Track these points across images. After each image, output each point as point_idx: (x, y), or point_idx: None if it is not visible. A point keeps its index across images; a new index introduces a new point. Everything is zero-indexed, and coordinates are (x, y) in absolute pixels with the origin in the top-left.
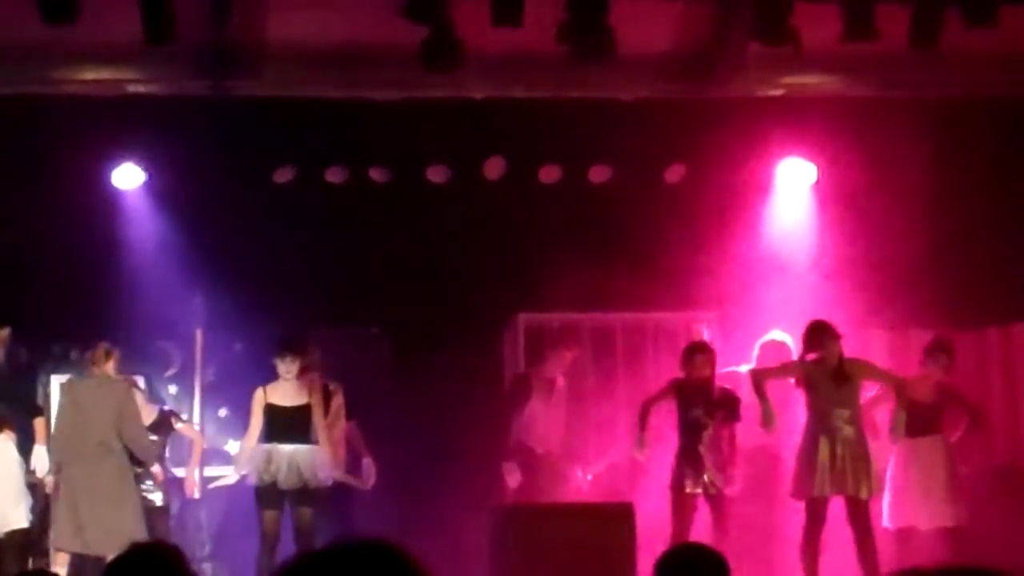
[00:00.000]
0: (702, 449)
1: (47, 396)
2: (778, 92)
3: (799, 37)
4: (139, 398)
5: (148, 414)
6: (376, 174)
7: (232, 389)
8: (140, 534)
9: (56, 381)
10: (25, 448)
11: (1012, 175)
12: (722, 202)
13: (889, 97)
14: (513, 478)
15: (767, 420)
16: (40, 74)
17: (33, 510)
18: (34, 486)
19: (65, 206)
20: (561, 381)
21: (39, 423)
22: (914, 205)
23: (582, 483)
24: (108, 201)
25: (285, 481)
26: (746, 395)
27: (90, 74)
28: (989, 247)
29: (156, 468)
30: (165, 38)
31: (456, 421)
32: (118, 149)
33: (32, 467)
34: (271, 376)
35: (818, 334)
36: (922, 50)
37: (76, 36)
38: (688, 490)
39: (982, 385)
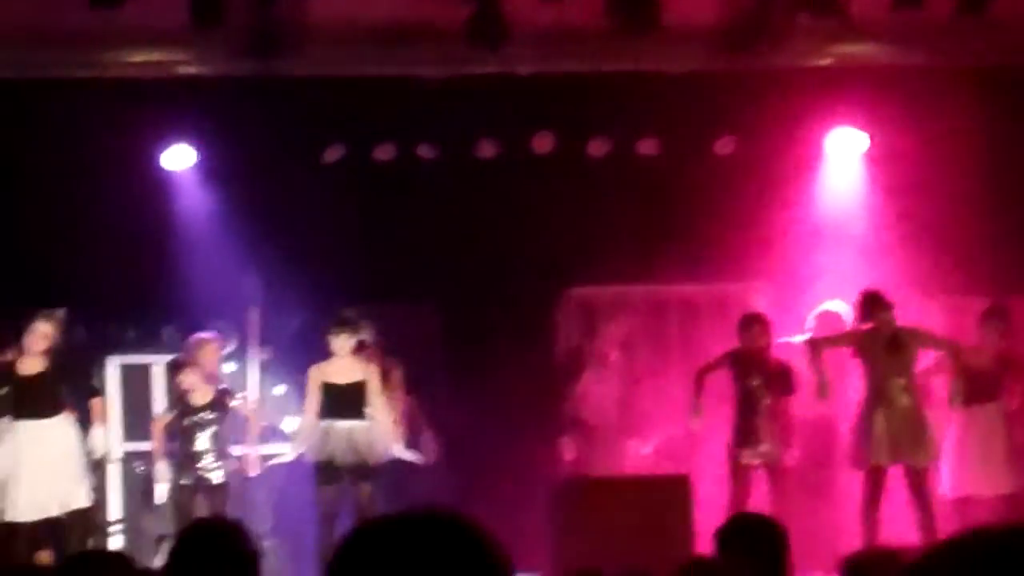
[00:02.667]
0: (759, 420)
1: (104, 377)
2: (826, 62)
3: (846, 6)
4: (195, 377)
5: (205, 393)
6: (425, 151)
7: (288, 367)
8: None
9: (112, 362)
10: (84, 428)
11: None
12: (773, 173)
13: (938, 65)
14: (569, 451)
15: (823, 390)
16: (88, 58)
17: (94, 489)
18: (97, 464)
19: (117, 188)
20: (615, 354)
21: (96, 403)
22: (967, 172)
23: (638, 456)
24: (160, 182)
25: (343, 458)
26: (801, 366)
27: (138, 57)
28: None
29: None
30: (212, 20)
31: (511, 395)
32: (168, 131)
33: (90, 447)
34: (327, 353)
35: (872, 303)
36: (970, 17)
37: (123, 19)
38: (745, 461)
39: None
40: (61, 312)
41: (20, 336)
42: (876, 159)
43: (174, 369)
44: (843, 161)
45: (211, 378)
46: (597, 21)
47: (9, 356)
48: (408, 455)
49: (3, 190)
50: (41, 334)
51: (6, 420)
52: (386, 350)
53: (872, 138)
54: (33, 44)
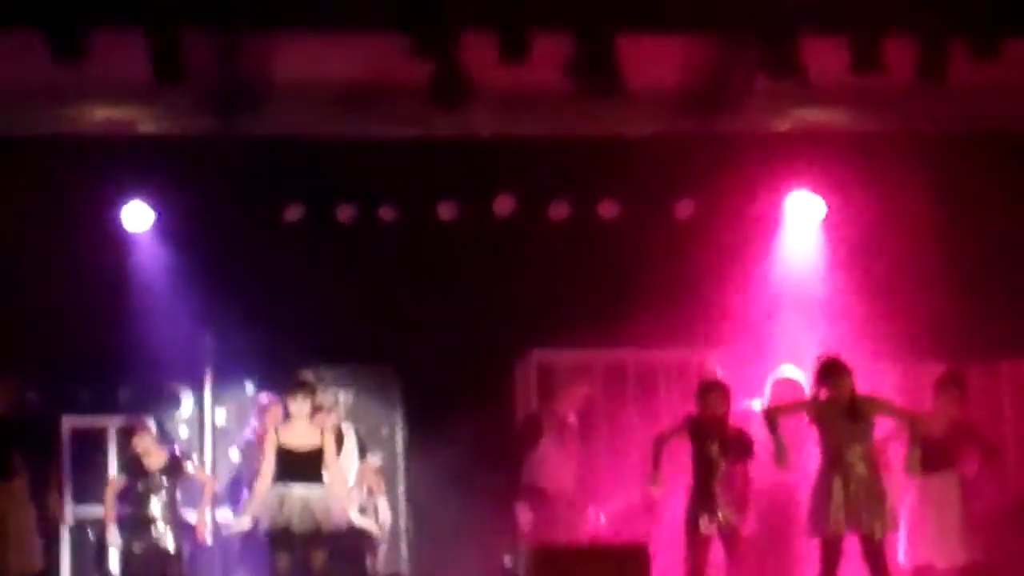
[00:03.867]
0: (716, 487)
1: (57, 439)
2: (786, 126)
3: (806, 70)
4: (149, 440)
5: (159, 456)
6: (385, 212)
7: (243, 429)
8: None
9: (65, 423)
10: (37, 492)
11: (1019, 207)
12: (732, 237)
13: (897, 130)
14: (526, 518)
15: (781, 458)
16: (50, 114)
17: (45, 553)
18: (49, 528)
19: (75, 246)
20: (573, 419)
21: (50, 467)
22: (924, 238)
23: (596, 522)
24: (118, 240)
25: (299, 524)
26: (759, 432)
27: (100, 114)
28: (1000, 280)
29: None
30: (174, 77)
31: (468, 459)
32: (128, 188)
33: (42, 511)
34: (283, 416)
35: (830, 370)
36: (929, 83)
37: (85, 75)
38: (703, 529)
39: (995, 419)
40: (15, 377)
41: None
42: (834, 224)
43: (128, 432)
44: (802, 225)
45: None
46: (559, 84)
47: None
48: (364, 521)
49: None
50: None
51: None
52: (342, 413)
53: (830, 203)
54: None
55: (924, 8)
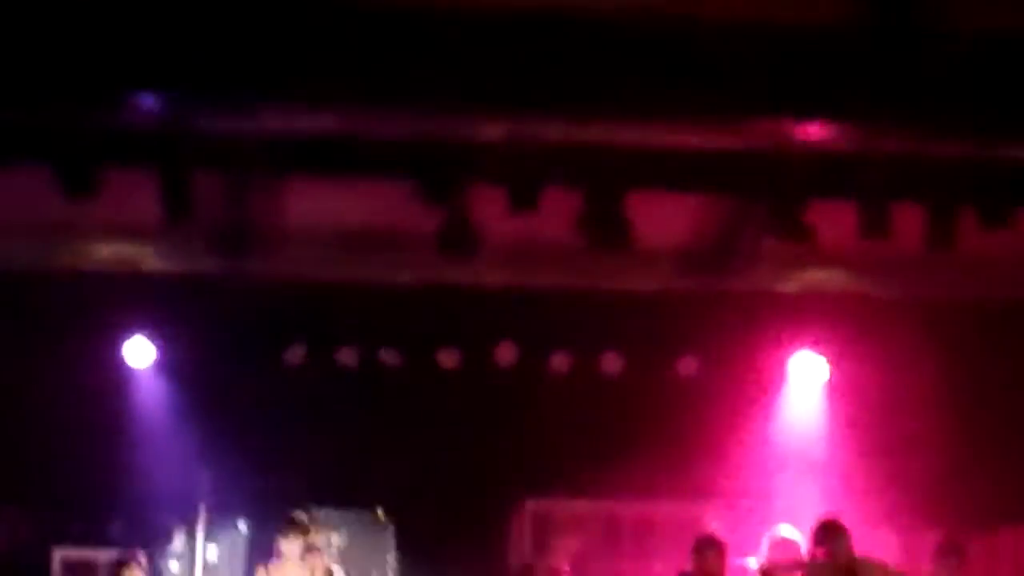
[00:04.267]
0: None
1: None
2: (792, 287)
3: (814, 234)
4: (139, 574)
5: None
6: (387, 356)
7: (233, 567)
8: None
9: (57, 554)
10: None
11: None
12: (735, 395)
13: (903, 297)
14: None
15: None
16: (57, 250)
17: None
18: None
19: (76, 381)
20: (567, 571)
21: None
22: (927, 405)
23: None
24: (119, 377)
25: None
26: None
27: (106, 250)
28: (1002, 448)
29: None
30: (183, 216)
31: None
32: (131, 326)
33: None
34: (274, 555)
35: (828, 531)
36: (938, 251)
37: (94, 213)
38: None
39: None
40: (11, 510)
41: None
42: (838, 386)
43: (119, 566)
44: (805, 386)
45: None
46: (567, 236)
47: None
48: None
49: None
50: None
51: None
52: (334, 556)
53: (834, 366)
54: (2, 236)
55: (933, 176)
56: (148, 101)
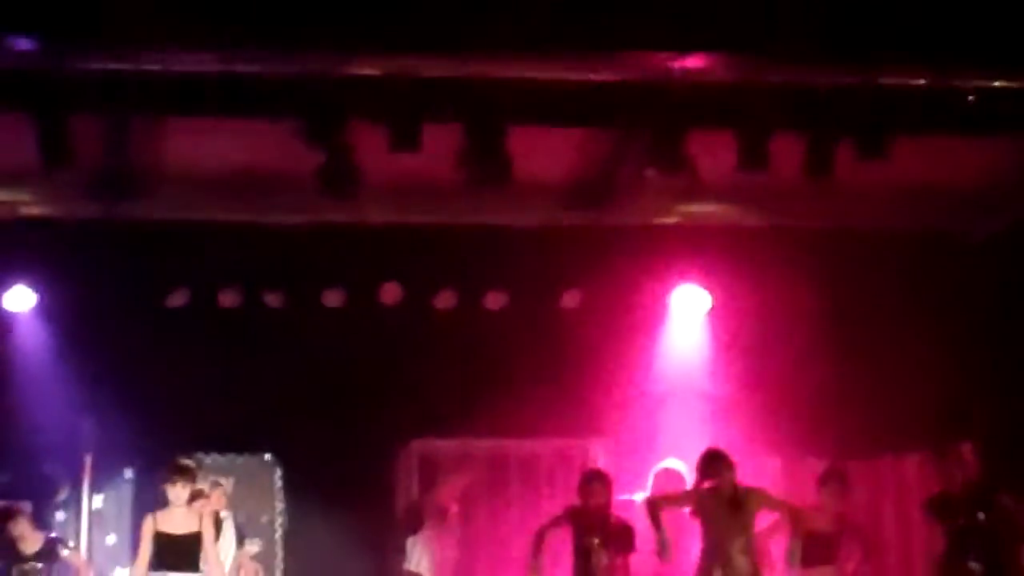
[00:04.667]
0: None
1: None
2: (673, 220)
3: (694, 166)
4: (24, 525)
5: (34, 541)
6: (271, 298)
7: (121, 516)
8: None
9: None
10: None
11: (902, 305)
12: (618, 329)
13: (783, 226)
14: None
15: (663, 549)
16: None
17: None
18: None
19: None
20: (455, 509)
21: None
22: (807, 334)
23: None
24: None
25: None
26: (640, 524)
27: None
28: (881, 376)
29: None
30: (61, 160)
31: (348, 548)
32: (10, 272)
33: None
34: (161, 503)
35: (712, 462)
36: (815, 181)
37: None
38: None
39: (875, 515)
40: None
41: None
42: (719, 318)
43: (4, 517)
44: (687, 318)
45: None
46: (449, 174)
47: None
48: None
49: None
50: None
51: None
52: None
53: (715, 296)
54: None
55: (812, 107)
56: (23, 43)
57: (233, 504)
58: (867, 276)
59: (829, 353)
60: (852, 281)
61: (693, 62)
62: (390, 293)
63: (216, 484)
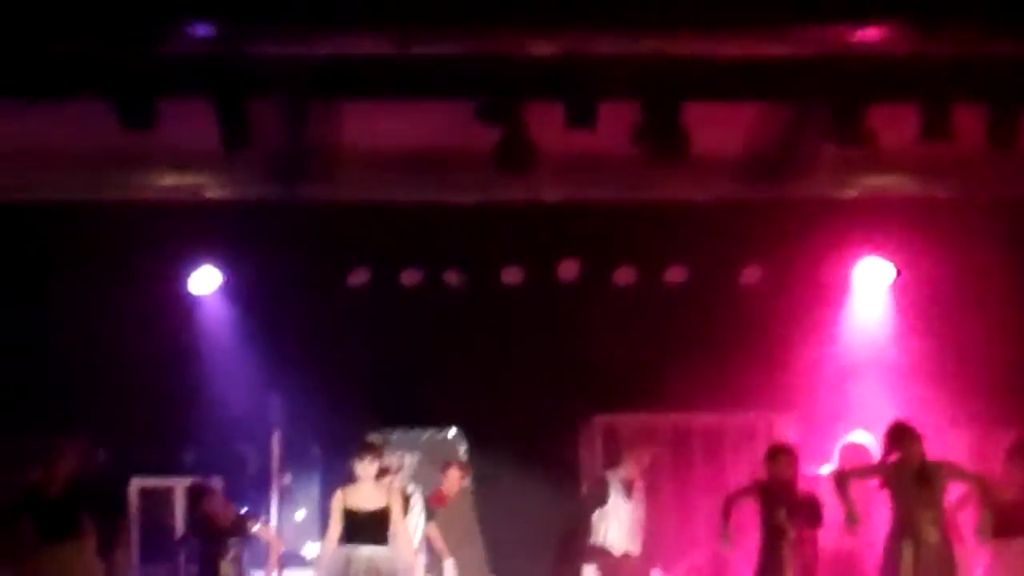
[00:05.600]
0: (785, 552)
1: (125, 500)
2: (854, 193)
3: (875, 138)
4: (217, 501)
5: (226, 517)
6: (450, 277)
7: (310, 491)
8: None
9: (133, 485)
10: (105, 551)
11: None
12: (800, 303)
13: (967, 197)
14: None
15: (851, 522)
16: (118, 180)
17: None
18: None
19: (143, 310)
20: (639, 482)
21: (118, 527)
22: (993, 304)
23: None
24: (185, 305)
25: None
26: (828, 498)
27: (168, 180)
28: None
29: None
30: (241, 143)
31: (534, 523)
32: (195, 254)
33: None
34: (349, 479)
35: (900, 435)
36: (999, 150)
37: (155, 142)
38: None
39: None
40: (85, 436)
41: (45, 460)
42: (903, 290)
43: (195, 493)
44: (870, 292)
45: None
46: (625, 149)
47: (33, 480)
48: None
49: (29, 314)
50: (65, 458)
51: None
52: (410, 475)
53: (899, 269)
54: (62, 167)
55: (993, 75)
56: (203, 29)
57: (419, 479)
58: None
59: (1016, 323)
60: None
61: (871, 34)
62: (569, 270)
63: (401, 460)
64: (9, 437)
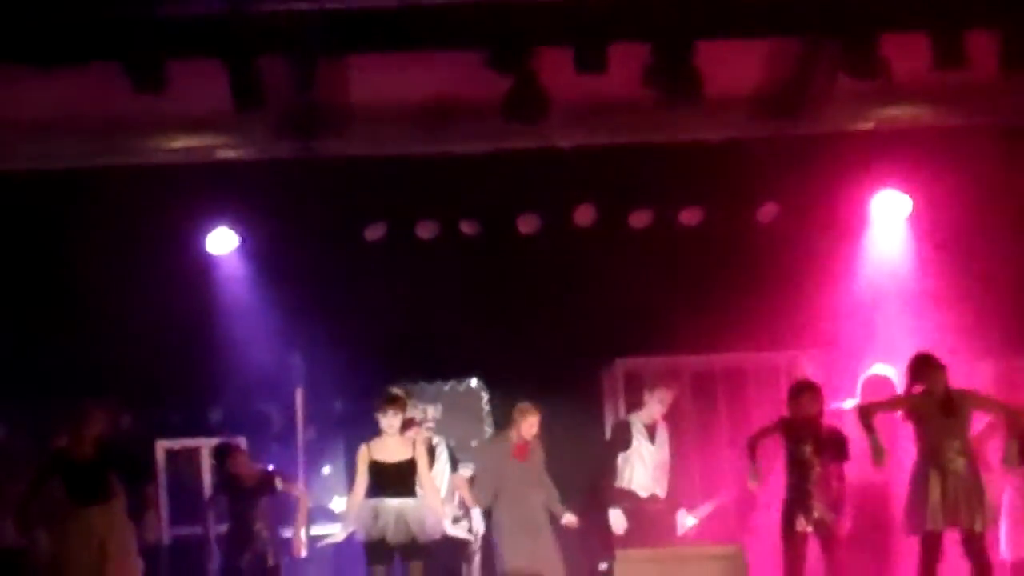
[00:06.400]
0: (812, 487)
1: (152, 462)
2: (869, 125)
3: (888, 69)
4: (243, 460)
5: (252, 476)
6: (466, 227)
7: (335, 446)
8: None
9: (159, 447)
10: (134, 513)
11: None
12: (818, 239)
13: (982, 125)
14: (619, 523)
15: (877, 455)
16: (131, 144)
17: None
18: (148, 548)
19: (162, 273)
20: (662, 425)
21: (147, 488)
22: (1014, 231)
23: (687, 527)
24: (203, 266)
25: (393, 536)
26: (853, 432)
27: (180, 142)
28: None
29: None
30: (253, 103)
31: (559, 469)
32: (211, 215)
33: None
34: (373, 432)
35: (923, 366)
36: (1013, 75)
37: (165, 105)
38: (799, 529)
39: None
40: (111, 399)
41: (72, 424)
42: (922, 221)
43: (223, 453)
44: (888, 224)
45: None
46: (636, 92)
47: (62, 443)
48: (458, 532)
49: (50, 279)
50: (92, 422)
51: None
52: (434, 426)
53: (916, 200)
54: (76, 132)
55: (1005, 1)
56: None
57: (444, 430)
58: None
59: None
60: None
61: None
62: (584, 215)
63: (424, 412)
64: (36, 403)
